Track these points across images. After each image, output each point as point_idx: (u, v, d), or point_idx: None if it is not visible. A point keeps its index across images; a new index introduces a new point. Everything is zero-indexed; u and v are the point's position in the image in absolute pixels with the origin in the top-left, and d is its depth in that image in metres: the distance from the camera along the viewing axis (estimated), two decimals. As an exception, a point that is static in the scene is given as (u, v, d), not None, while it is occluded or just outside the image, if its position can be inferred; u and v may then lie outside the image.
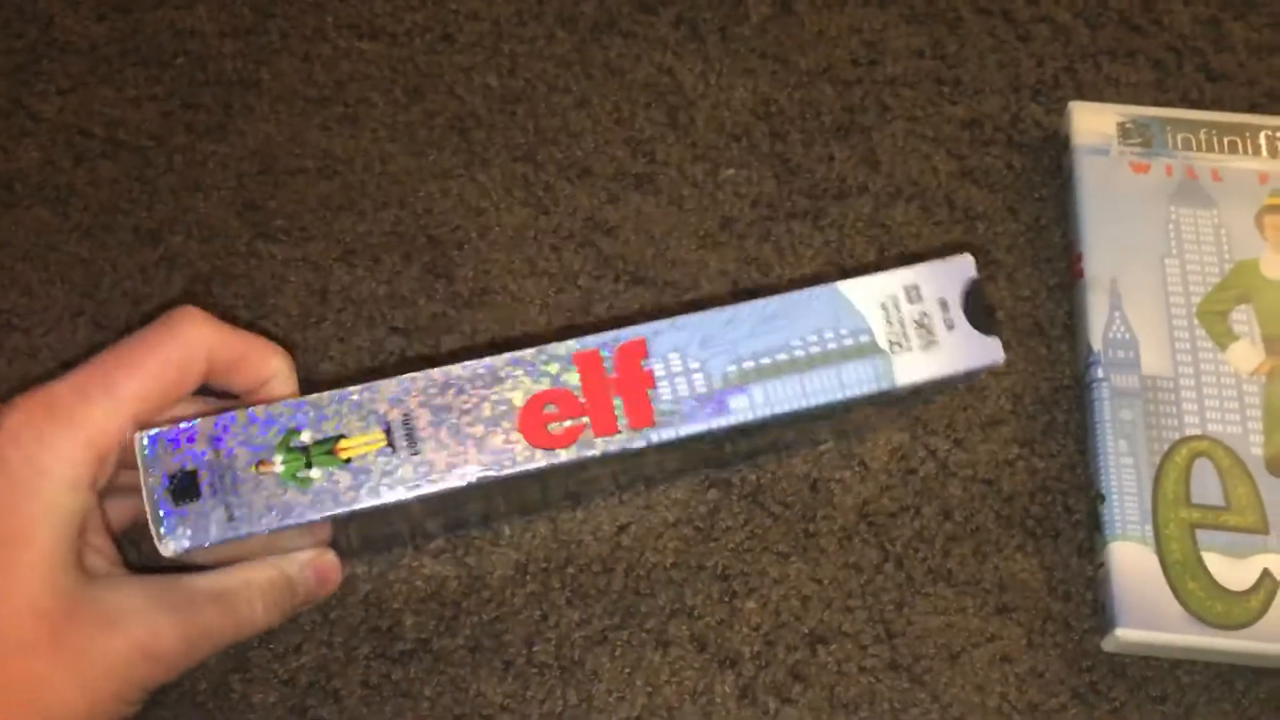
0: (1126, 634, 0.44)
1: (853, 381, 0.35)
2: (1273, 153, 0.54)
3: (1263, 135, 0.54)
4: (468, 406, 0.33)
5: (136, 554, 0.43)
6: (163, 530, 0.33)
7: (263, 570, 0.38)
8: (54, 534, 0.34)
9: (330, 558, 0.40)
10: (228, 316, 0.51)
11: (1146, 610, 0.45)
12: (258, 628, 0.39)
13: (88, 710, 0.34)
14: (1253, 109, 0.57)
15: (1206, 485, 0.47)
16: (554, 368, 0.34)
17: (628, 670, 0.45)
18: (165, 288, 0.52)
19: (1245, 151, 0.54)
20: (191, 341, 0.36)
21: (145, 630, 0.35)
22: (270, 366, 0.38)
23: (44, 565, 0.34)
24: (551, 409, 0.34)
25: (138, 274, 0.52)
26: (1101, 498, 0.47)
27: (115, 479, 0.36)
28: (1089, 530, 0.48)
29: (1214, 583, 0.45)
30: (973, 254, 0.53)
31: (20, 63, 0.57)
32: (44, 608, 0.34)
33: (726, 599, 0.47)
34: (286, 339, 0.51)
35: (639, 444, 0.34)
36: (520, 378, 0.34)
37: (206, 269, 0.52)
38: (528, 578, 0.47)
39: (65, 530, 0.34)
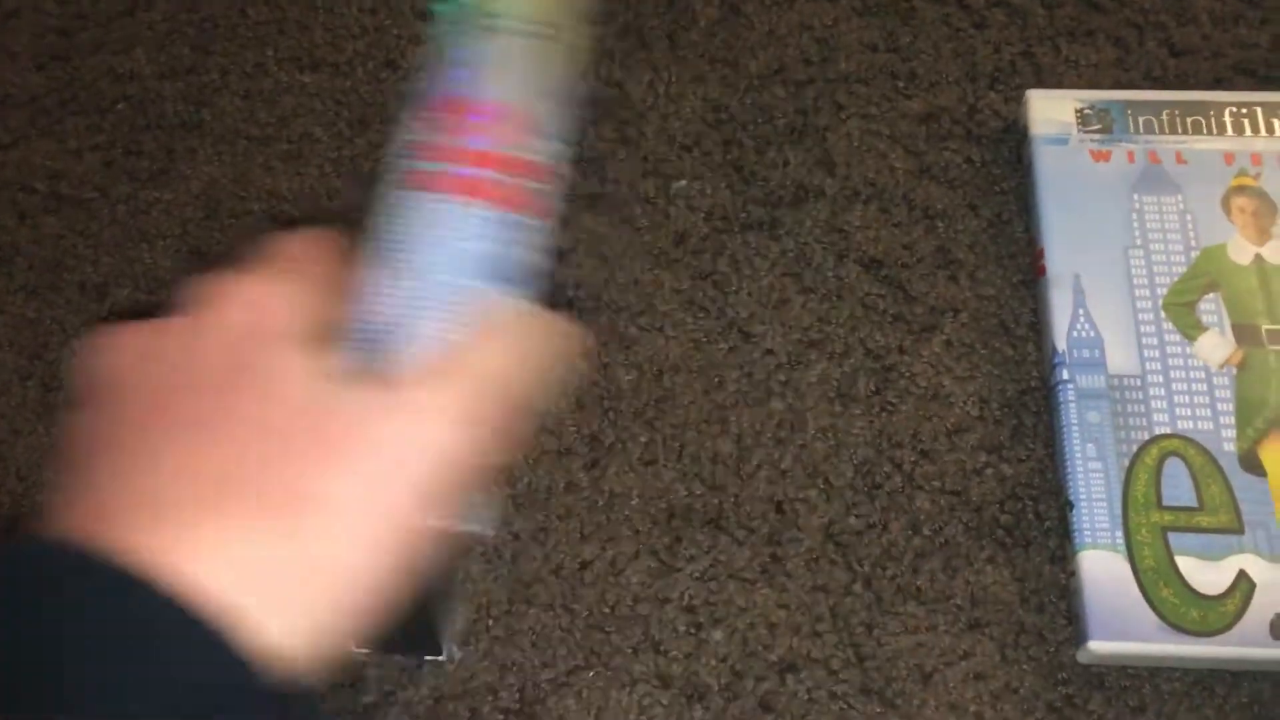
0: (1100, 646, 0.43)
1: None
2: (1238, 130, 0.52)
3: (1227, 112, 0.52)
4: None
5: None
6: None
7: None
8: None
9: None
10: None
11: (1120, 621, 0.44)
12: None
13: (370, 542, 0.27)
14: (1218, 83, 0.56)
15: (1178, 486, 0.46)
16: None
17: (594, 712, 0.45)
18: (115, 343, 0.51)
19: (1209, 131, 0.52)
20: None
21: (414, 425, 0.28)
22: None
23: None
24: None
25: (85, 332, 0.52)
26: (1070, 505, 0.46)
27: None
28: (1061, 537, 0.47)
29: (1188, 588, 0.44)
30: (934, 253, 0.52)
31: (-40, 120, 0.57)
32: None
33: (693, 630, 0.46)
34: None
35: None
36: None
37: (155, 321, 0.52)
38: (490, 621, 0.46)
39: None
